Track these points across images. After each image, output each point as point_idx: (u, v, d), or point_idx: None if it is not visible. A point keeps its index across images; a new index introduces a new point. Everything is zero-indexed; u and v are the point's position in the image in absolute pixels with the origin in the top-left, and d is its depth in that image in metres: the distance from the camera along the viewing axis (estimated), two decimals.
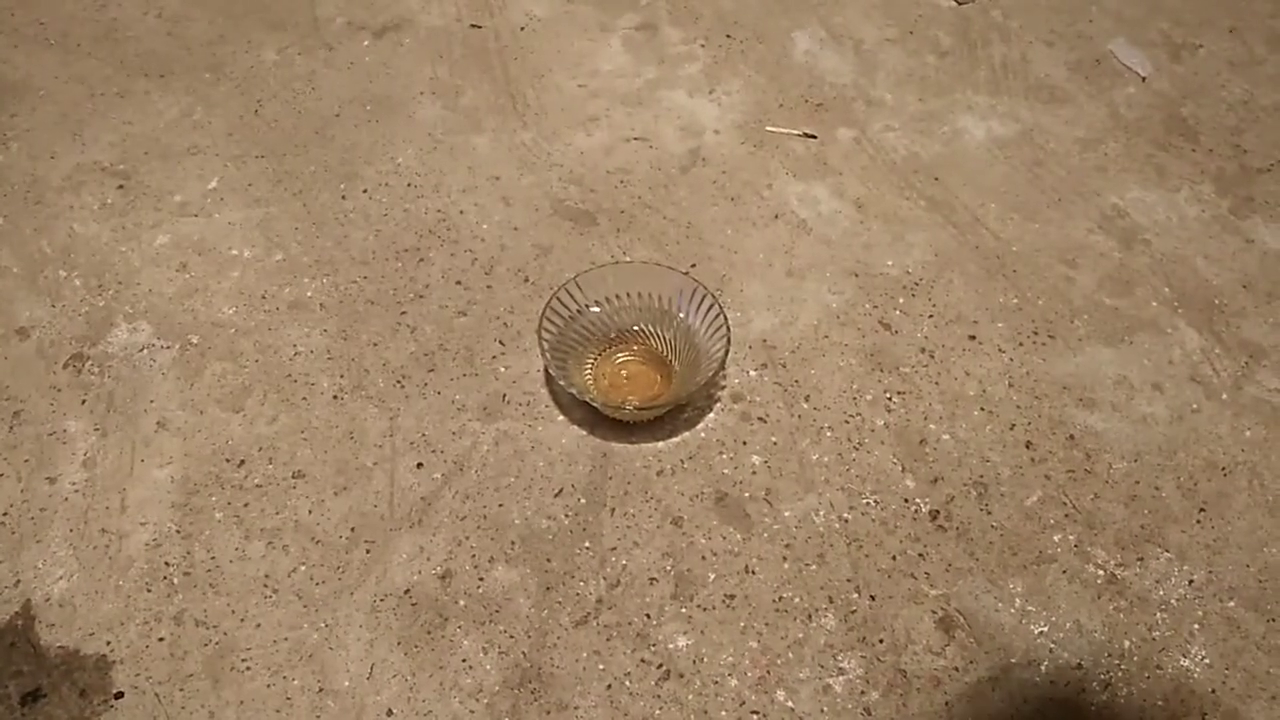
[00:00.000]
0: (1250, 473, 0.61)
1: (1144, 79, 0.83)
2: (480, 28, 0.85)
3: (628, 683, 0.52)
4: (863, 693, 0.52)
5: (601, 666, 0.53)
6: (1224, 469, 0.61)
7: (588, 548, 0.57)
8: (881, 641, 0.53)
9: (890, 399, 0.63)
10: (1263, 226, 0.73)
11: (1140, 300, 0.68)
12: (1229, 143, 0.78)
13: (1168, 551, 0.57)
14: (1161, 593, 0.56)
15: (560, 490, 0.59)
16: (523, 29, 0.85)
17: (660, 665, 0.53)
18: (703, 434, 0.61)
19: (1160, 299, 0.68)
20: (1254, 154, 0.78)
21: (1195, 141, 0.79)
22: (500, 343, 0.65)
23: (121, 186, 0.74)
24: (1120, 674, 0.53)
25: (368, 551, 0.56)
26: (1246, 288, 0.69)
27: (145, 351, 0.65)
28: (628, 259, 0.69)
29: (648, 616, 0.54)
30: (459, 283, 0.68)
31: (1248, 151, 0.78)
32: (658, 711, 0.51)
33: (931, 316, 0.67)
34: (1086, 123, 0.79)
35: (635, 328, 0.64)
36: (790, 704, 0.51)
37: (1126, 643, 0.54)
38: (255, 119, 0.78)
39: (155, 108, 0.79)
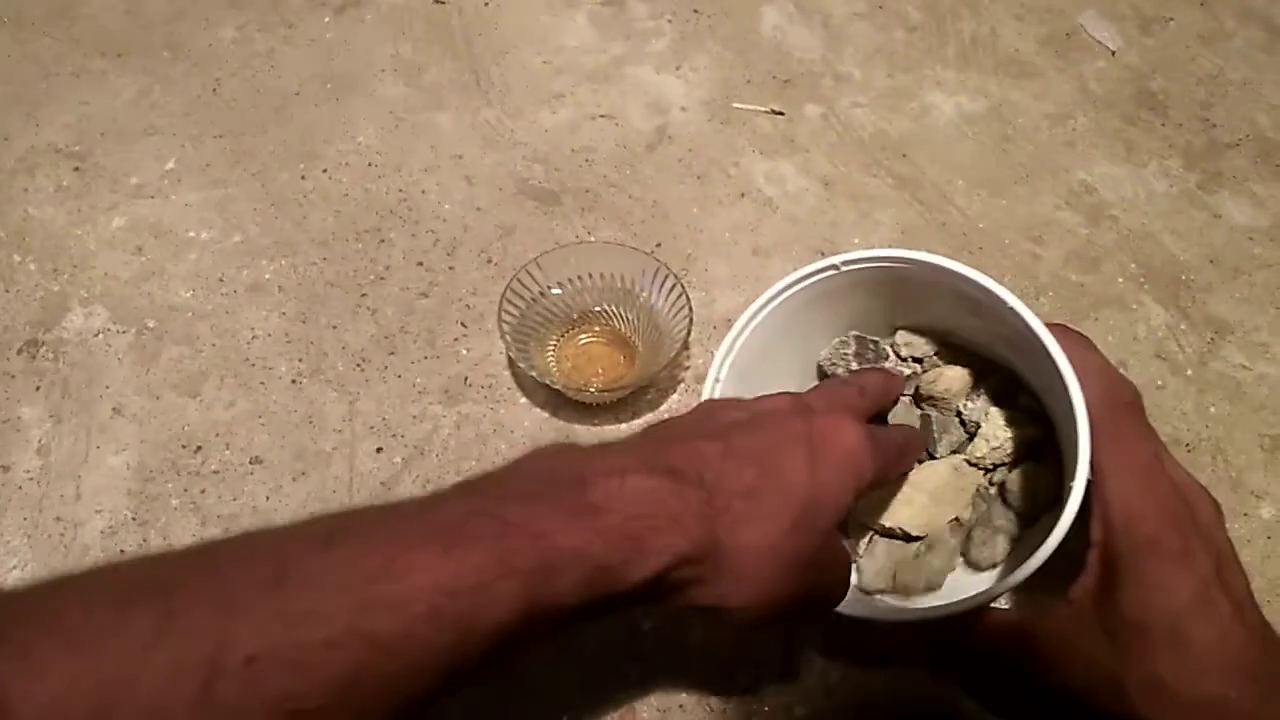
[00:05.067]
0: (1214, 449, 0.61)
1: (1114, 53, 0.82)
2: (443, 3, 0.84)
3: (594, 662, 0.52)
4: (824, 673, 0.52)
5: (565, 649, 0.52)
6: (1188, 445, 0.61)
7: None
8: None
9: None
10: (1230, 201, 0.73)
11: (1106, 276, 0.68)
12: (1198, 117, 0.78)
13: None
14: None
15: None
16: (486, 4, 0.84)
17: (627, 645, 0.52)
18: (666, 415, 0.61)
19: (1126, 275, 0.68)
20: (1223, 128, 0.77)
21: (1164, 116, 0.78)
22: (462, 324, 0.65)
23: (77, 168, 0.73)
24: None
25: None
26: (1213, 263, 0.69)
27: (101, 336, 0.64)
28: (592, 239, 0.68)
29: None
30: (420, 264, 0.67)
31: (1217, 126, 0.78)
32: (623, 687, 0.51)
33: None
34: (1055, 98, 0.79)
35: (597, 308, 0.63)
36: (752, 685, 0.51)
37: None
38: (213, 98, 0.77)
39: (112, 87, 0.78)
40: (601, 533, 0.32)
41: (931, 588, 0.48)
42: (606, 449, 0.37)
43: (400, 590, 0.29)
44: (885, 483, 0.45)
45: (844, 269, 0.49)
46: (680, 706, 0.51)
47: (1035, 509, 0.49)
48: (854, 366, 0.54)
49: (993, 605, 0.46)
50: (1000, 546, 0.48)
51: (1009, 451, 0.49)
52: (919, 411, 0.53)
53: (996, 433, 0.49)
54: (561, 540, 0.32)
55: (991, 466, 0.50)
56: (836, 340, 0.55)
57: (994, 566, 0.48)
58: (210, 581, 0.28)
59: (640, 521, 0.33)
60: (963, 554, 0.49)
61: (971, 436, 0.51)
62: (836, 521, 0.39)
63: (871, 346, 0.54)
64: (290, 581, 0.28)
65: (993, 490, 0.50)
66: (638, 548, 0.33)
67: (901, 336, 0.54)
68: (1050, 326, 0.43)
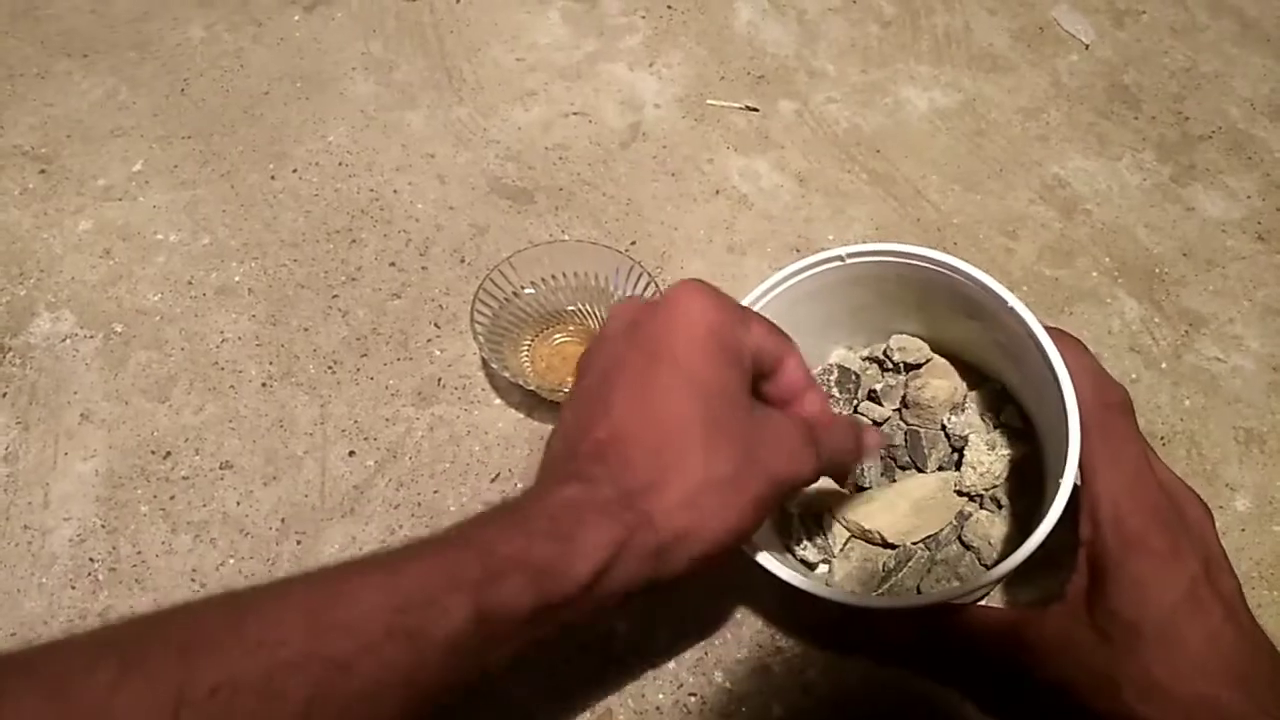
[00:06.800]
0: (1189, 441, 0.61)
1: (1087, 46, 0.82)
2: (414, 0, 0.83)
3: (568, 667, 0.51)
4: (801, 671, 0.52)
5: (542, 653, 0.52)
6: (1163, 439, 0.61)
7: None
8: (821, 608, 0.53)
9: None
10: (1203, 194, 0.73)
11: (1080, 271, 0.68)
12: (1171, 110, 0.78)
13: None
14: None
15: (497, 475, 0.58)
16: (458, 1, 0.83)
17: (600, 649, 0.52)
18: None
19: (1100, 269, 0.68)
20: (1195, 121, 0.77)
21: (1137, 109, 0.78)
22: (435, 325, 0.64)
23: (43, 171, 0.72)
24: None
25: (298, 543, 0.55)
26: (1187, 256, 0.69)
27: (68, 341, 0.63)
28: (566, 237, 0.68)
29: None
30: (393, 264, 0.67)
31: (1189, 119, 0.78)
32: (598, 692, 0.51)
33: None
34: (1029, 91, 0.79)
35: (571, 308, 0.63)
36: (728, 685, 0.51)
37: None
38: (182, 98, 0.76)
39: (78, 88, 0.77)
40: (535, 535, 0.33)
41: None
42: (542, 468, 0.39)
43: (354, 613, 0.30)
44: (838, 465, 0.43)
45: (849, 260, 0.49)
46: (657, 709, 0.51)
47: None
48: (835, 394, 0.54)
49: (986, 604, 0.46)
50: (951, 589, 0.47)
51: (998, 474, 0.49)
52: (906, 426, 0.53)
53: (980, 458, 0.49)
54: (501, 548, 0.33)
55: (982, 493, 0.50)
56: (820, 368, 0.55)
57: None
58: (169, 628, 0.29)
59: (567, 517, 0.34)
60: (918, 587, 0.48)
61: (957, 451, 0.51)
62: (743, 399, 0.38)
63: (853, 378, 0.55)
64: (247, 618, 0.29)
65: (966, 535, 0.49)
66: (570, 541, 0.34)
67: (896, 341, 0.54)
68: (1045, 329, 0.44)
